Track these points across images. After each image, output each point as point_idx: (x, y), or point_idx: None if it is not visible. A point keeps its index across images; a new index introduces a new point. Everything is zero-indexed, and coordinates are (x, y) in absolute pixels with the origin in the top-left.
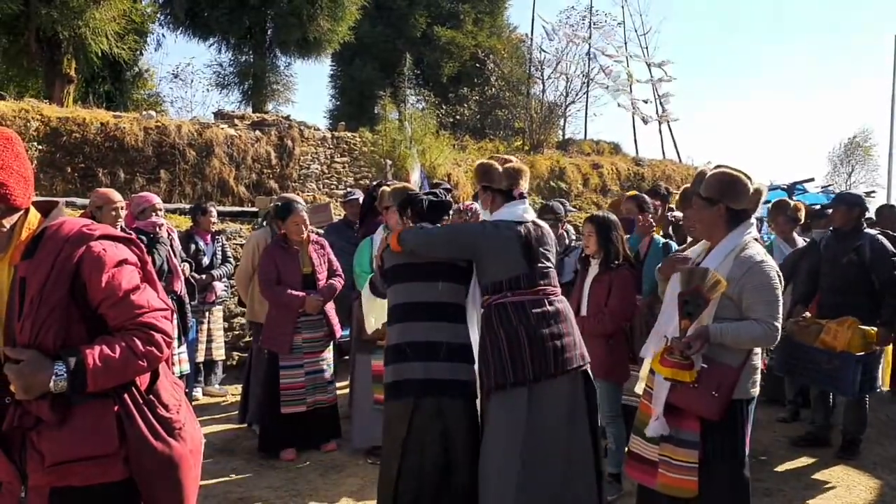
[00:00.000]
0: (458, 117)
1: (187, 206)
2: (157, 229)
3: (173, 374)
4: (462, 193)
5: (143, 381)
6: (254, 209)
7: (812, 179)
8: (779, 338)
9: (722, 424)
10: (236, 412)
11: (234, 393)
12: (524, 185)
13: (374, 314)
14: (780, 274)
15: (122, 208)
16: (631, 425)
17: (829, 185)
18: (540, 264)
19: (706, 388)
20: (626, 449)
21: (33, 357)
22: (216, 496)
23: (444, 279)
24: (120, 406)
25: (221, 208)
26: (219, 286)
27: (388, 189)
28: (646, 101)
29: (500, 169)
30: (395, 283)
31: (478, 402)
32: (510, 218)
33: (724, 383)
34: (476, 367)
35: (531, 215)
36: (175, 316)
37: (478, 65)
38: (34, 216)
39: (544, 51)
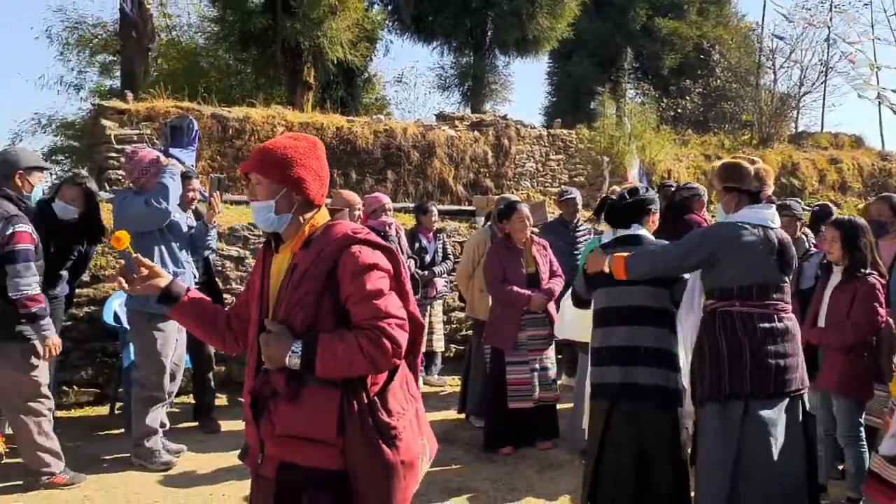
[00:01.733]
0: (679, 111)
1: (411, 205)
2: (388, 228)
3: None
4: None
5: (378, 381)
6: (471, 208)
7: None
8: None
9: None
10: (454, 402)
11: (451, 384)
12: (769, 189)
13: (568, 319)
14: None
15: (360, 209)
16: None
17: None
18: (784, 276)
19: None
20: (867, 468)
21: (280, 331)
22: (437, 483)
23: (644, 283)
24: (344, 399)
25: (441, 207)
26: (439, 282)
27: (618, 189)
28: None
29: (751, 169)
30: (597, 287)
31: (680, 409)
32: (756, 221)
33: None
34: (683, 373)
35: (778, 222)
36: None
37: (702, 56)
38: (322, 216)
39: (779, 37)
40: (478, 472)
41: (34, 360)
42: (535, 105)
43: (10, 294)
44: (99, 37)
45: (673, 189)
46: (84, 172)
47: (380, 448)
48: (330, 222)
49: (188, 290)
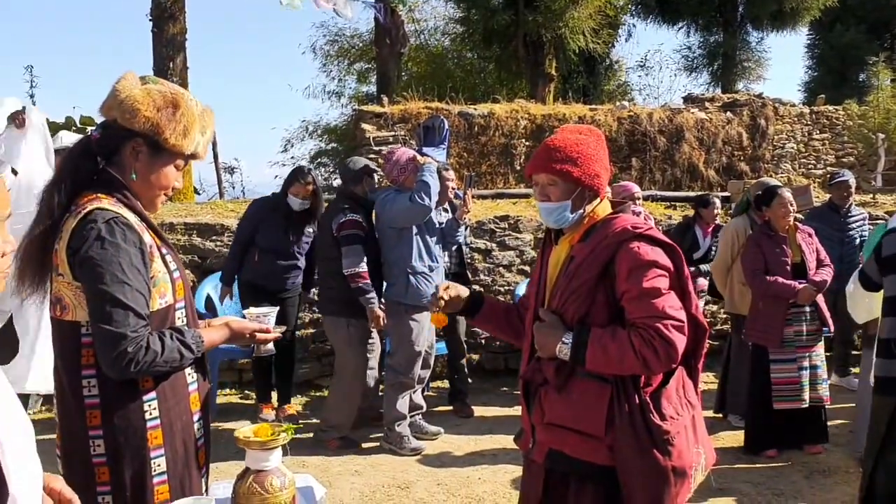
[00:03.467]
0: None
1: (658, 193)
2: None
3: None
4: None
5: (652, 383)
6: (725, 194)
7: None
8: None
9: None
10: (708, 400)
11: (705, 381)
12: None
13: (861, 307)
14: None
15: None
16: None
17: None
18: None
19: None
20: None
21: (552, 321)
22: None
23: None
24: (614, 395)
25: (692, 193)
26: (702, 281)
27: None
28: None
29: None
30: (891, 271)
31: None
32: None
33: None
34: None
35: None
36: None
37: None
38: (603, 208)
39: None
40: (739, 474)
41: (355, 332)
42: (794, 81)
43: (343, 270)
44: (356, 46)
45: None
46: (309, 167)
47: (650, 451)
48: (611, 215)
49: (483, 298)
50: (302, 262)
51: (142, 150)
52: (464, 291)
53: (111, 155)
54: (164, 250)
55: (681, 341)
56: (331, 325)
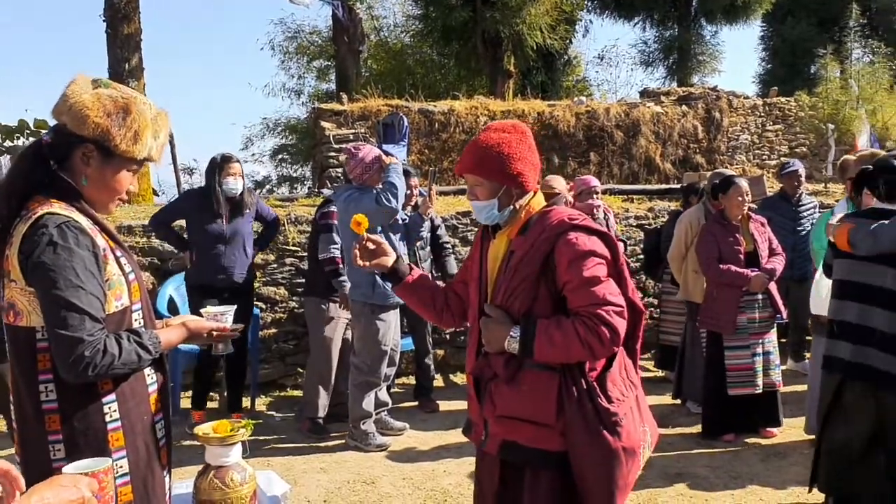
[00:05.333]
0: None
1: (616, 187)
2: (595, 211)
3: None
4: None
5: (596, 367)
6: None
7: None
8: None
9: None
10: (665, 387)
11: (652, 369)
12: None
13: (824, 294)
14: None
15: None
16: None
17: None
18: None
19: None
20: None
21: (499, 315)
22: (656, 468)
23: (881, 260)
24: (562, 383)
25: (649, 186)
26: None
27: (852, 158)
28: None
29: None
30: (838, 256)
31: None
32: None
33: None
34: None
35: None
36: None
37: None
38: (538, 201)
39: None
40: (697, 459)
41: (326, 315)
42: (748, 74)
43: (318, 255)
44: (315, 44)
45: None
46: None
47: (600, 434)
48: (546, 208)
49: (412, 269)
50: (248, 250)
51: (92, 156)
52: (390, 254)
53: (63, 160)
54: (118, 253)
55: (622, 326)
56: (307, 306)
